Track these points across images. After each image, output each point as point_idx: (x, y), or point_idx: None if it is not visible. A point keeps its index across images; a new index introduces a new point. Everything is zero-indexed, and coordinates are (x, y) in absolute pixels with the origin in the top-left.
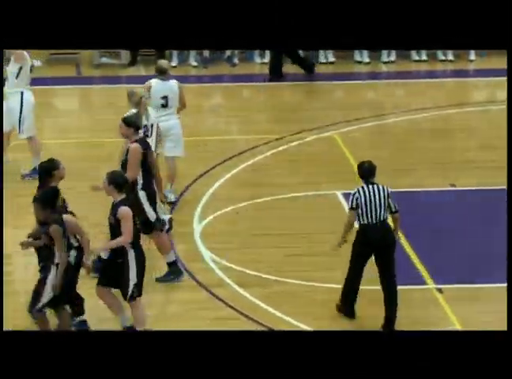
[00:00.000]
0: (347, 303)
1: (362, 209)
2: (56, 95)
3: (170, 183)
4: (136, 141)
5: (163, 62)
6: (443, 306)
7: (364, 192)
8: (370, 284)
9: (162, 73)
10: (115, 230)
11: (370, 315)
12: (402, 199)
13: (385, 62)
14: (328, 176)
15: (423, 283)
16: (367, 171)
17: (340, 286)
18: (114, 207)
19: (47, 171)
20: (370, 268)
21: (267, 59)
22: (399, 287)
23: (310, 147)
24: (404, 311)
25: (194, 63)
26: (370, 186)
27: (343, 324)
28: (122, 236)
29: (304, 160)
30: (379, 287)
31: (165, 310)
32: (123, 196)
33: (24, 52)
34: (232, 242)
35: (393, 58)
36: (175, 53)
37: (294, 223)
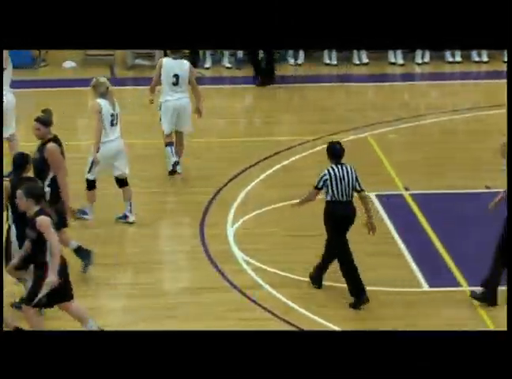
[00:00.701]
0: (320, 276)
1: (333, 188)
2: (90, 96)
3: (178, 156)
4: (50, 140)
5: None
6: (476, 307)
7: (335, 172)
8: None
9: (174, 53)
10: (38, 245)
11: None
12: (437, 201)
13: (419, 64)
14: (362, 177)
15: (457, 284)
16: (338, 152)
17: (374, 288)
18: (32, 220)
19: (23, 164)
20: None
21: (300, 61)
22: (432, 289)
23: (345, 148)
24: (438, 312)
25: (228, 65)
26: (340, 166)
27: (372, 325)
28: (53, 248)
29: None
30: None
31: (198, 311)
32: (40, 206)
33: (7, 53)
34: (265, 243)
35: (427, 59)
36: (208, 54)
37: None
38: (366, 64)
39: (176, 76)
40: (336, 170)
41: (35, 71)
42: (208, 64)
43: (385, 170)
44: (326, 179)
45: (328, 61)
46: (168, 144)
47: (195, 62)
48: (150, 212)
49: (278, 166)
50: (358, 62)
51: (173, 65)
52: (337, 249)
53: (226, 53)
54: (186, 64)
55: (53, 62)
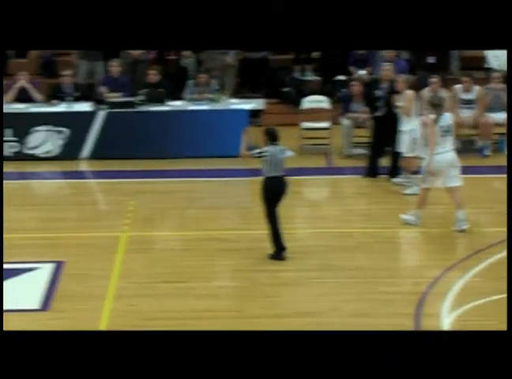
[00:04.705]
0: (279, 244)
1: (270, 164)
2: (306, 184)
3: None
4: None
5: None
6: None
7: (272, 151)
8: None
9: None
10: None
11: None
12: None
13: None
14: None
15: None
16: (275, 135)
17: None
18: None
19: None
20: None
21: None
22: None
23: None
24: None
25: None
26: (276, 146)
27: None
28: None
29: None
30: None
31: None
32: None
33: None
34: None
35: None
36: None
37: None
38: None
39: (447, 129)
40: (273, 149)
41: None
42: None
43: None
44: (266, 154)
45: None
46: None
47: None
48: None
49: (498, 256)
50: None
51: (445, 119)
52: (270, 216)
53: None
54: (450, 117)
55: None
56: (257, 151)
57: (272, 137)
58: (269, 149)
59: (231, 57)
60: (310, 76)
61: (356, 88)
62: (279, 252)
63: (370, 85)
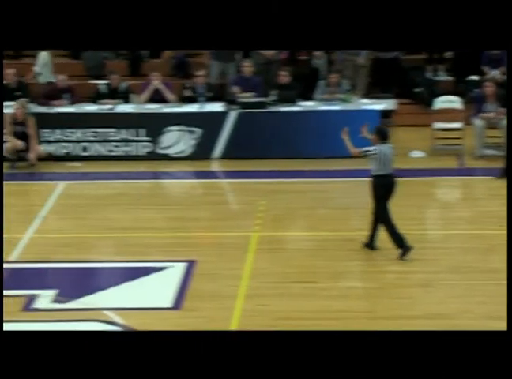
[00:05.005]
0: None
1: (380, 163)
2: (438, 185)
3: None
4: None
5: None
6: None
7: (382, 149)
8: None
9: None
10: None
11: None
12: None
13: None
14: None
15: None
16: (386, 133)
17: None
18: None
19: None
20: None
21: None
22: None
23: None
24: None
25: None
26: (386, 145)
27: None
28: None
29: None
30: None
31: None
32: None
33: None
34: None
35: None
36: None
37: None
38: None
39: None
40: (383, 147)
41: None
42: None
43: None
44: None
45: None
46: None
47: None
48: None
49: None
50: None
51: None
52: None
53: None
54: None
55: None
56: (368, 149)
57: (382, 136)
58: (380, 148)
59: (362, 57)
60: (443, 77)
61: (490, 88)
62: (404, 250)
63: (504, 85)
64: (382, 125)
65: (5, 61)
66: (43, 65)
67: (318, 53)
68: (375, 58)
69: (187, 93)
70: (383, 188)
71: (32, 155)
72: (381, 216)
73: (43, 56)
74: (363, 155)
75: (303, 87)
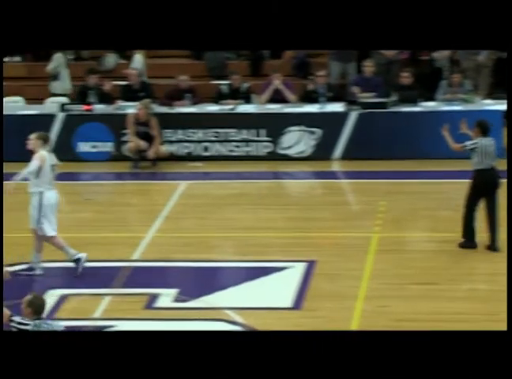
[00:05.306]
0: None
1: (481, 156)
2: None
3: None
4: None
5: None
6: None
7: (483, 143)
8: None
9: None
10: None
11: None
12: None
13: None
14: None
15: None
16: (486, 127)
17: None
18: None
19: None
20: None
21: None
22: None
23: None
24: None
25: None
26: (487, 138)
27: None
28: None
29: None
30: None
31: None
32: None
33: (44, 152)
34: None
35: None
36: None
37: None
38: None
39: None
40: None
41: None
42: None
43: None
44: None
45: None
46: None
47: None
48: None
49: None
50: None
51: None
52: None
53: None
54: None
55: None
56: (469, 143)
57: (483, 130)
58: (480, 141)
59: (484, 56)
60: None
61: None
62: (467, 243)
63: None
64: (480, 119)
65: (80, 63)
66: (56, 66)
67: (438, 53)
68: (498, 57)
69: (310, 88)
70: (483, 181)
71: (152, 154)
72: (466, 206)
73: (57, 58)
74: (464, 150)
75: (425, 87)
